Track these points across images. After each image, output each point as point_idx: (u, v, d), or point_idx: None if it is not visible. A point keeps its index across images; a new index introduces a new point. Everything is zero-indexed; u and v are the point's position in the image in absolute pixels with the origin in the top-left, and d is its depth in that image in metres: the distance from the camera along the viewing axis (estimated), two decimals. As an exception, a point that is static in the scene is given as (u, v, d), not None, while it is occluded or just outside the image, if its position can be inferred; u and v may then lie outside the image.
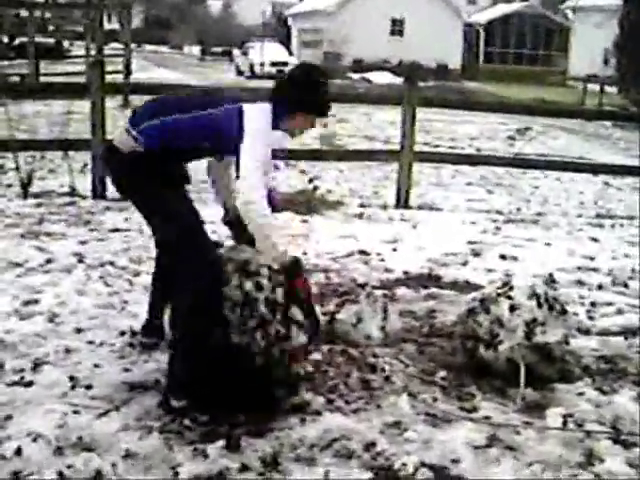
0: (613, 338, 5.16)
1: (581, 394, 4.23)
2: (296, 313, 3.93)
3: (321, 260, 6.51)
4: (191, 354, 3.86)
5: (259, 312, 3.80)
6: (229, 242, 4.51)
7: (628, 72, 32.12)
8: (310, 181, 8.34)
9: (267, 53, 40.51)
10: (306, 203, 8.10)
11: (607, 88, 31.26)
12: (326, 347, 4.62)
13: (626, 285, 6.31)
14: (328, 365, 4.41)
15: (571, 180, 11.25)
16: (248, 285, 3.82)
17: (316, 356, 4.46)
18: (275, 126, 4.03)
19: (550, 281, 4.62)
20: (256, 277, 3.85)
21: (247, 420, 3.72)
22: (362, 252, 6.76)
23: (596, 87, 30.43)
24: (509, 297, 4.41)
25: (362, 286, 5.34)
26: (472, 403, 4.10)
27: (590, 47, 45.13)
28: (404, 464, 3.43)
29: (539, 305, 4.37)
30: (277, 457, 3.47)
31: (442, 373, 4.42)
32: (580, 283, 6.27)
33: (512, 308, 4.37)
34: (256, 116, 3.93)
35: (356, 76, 39.46)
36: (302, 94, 4.06)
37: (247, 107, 3.95)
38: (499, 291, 4.48)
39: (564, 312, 4.49)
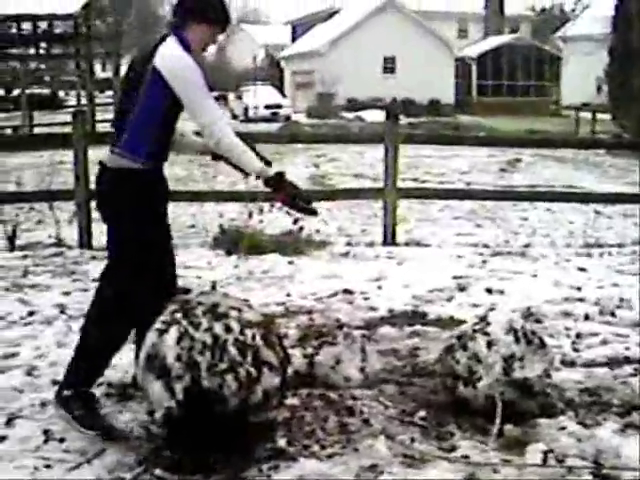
0: (598, 369, 5.09)
1: (563, 428, 4.15)
2: (268, 355, 3.88)
3: (305, 301, 6.47)
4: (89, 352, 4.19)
5: (229, 354, 3.76)
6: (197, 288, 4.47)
7: (619, 99, 32.26)
8: (295, 222, 8.26)
9: (260, 96, 40.76)
10: (292, 244, 8.06)
11: (601, 116, 31.40)
12: (304, 391, 4.56)
13: (613, 314, 6.25)
14: (305, 409, 4.33)
15: (561, 210, 11.22)
16: (217, 327, 3.77)
17: (293, 401, 4.40)
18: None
19: (529, 315, 4.56)
20: (225, 319, 3.81)
21: (220, 469, 3.66)
22: (346, 291, 6.72)
23: (590, 115, 30.54)
24: (486, 333, 4.36)
25: (341, 327, 5.27)
26: (451, 442, 4.02)
27: (582, 76, 45.45)
28: (378, 509, 3.38)
29: (517, 340, 4.31)
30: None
31: (422, 413, 4.34)
32: (566, 314, 6.21)
33: (489, 344, 4.32)
34: (170, 55, 3.97)
35: (350, 115, 39.62)
36: (190, 6, 4.09)
37: (157, 58, 3.95)
38: (476, 327, 4.43)
39: (543, 346, 4.42)
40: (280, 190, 4.07)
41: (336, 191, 11.08)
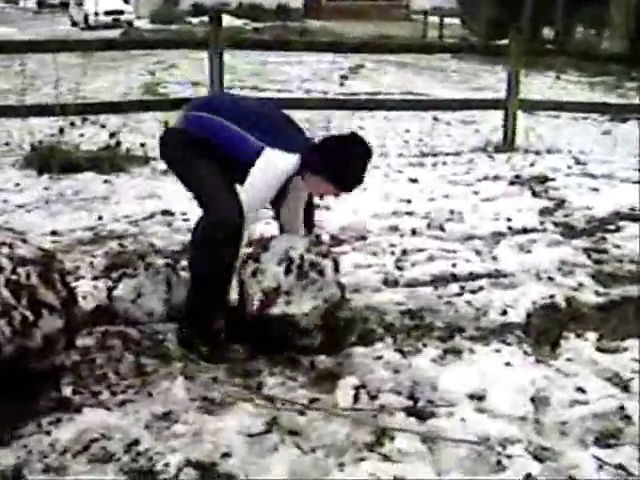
0: (422, 289, 4.85)
1: (379, 358, 3.88)
2: (47, 295, 3.42)
3: (118, 225, 5.97)
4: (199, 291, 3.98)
5: (0, 297, 3.28)
6: None
7: (468, 3, 32.34)
8: (112, 135, 7.69)
9: (101, 3, 38.94)
10: (110, 160, 7.49)
11: (450, 20, 31.46)
12: (101, 329, 4.12)
13: (442, 228, 6.03)
14: (100, 350, 3.90)
15: (398, 118, 10.90)
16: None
17: (86, 341, 3.95)
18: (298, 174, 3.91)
19: (317, 243, 4.20)
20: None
21: (-9, 427, 3.22)
22: (165, 212, 6.24)
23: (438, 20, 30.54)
24: (257, 260, 4.00)
25: (142, 257, 4.79)
26: (258, 379, 3.69)
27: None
28: (166, 464, 3.01)
29: (287, 271, 3.93)
30: (21, 470, 2.98)
31: (231, 347, 4.00)
32: (393, 229, 5.95)
33: (254, 273, 3.96)
34: (280, 165, 3.81)
35: (196, 20, 38.39)
36: (334, 163, 3.82)
37: (267, 153, 3.81)
38: (249, 252, 4.08)
39: (315, 281, 3.98)
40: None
41: (163, 101, 10.36)
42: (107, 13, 38.71)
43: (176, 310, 4.20)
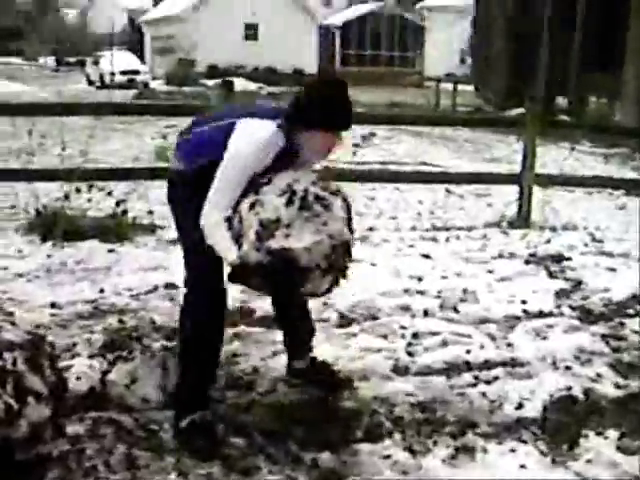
0: (434, 378, 4.61)
1: (387, 457, 3.65)
2: (34, 381, 3.23)
3: (119, 298, 5.77)
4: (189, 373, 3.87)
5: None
6: None
7: (481, 71, 32.52)
8: (118, 204, 7.55)
9: (117, 62, 39.45)
10: (116, 229, 7.32)
11: (463, 87, 31.48)
12: (93, 415, 3.90)
13: (455, 309, 5.80)
14: (90, 439, 3.68)
15: (410, 189, 10.76)
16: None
17: (77, 428, 3.74)
18: (291, 146, 3.72)
19: (326, 180, 3.88)
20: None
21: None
22: (169, 286, 6.03)
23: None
24: (256, 192, 3.64)
25: (138, 338, 4.58)
26: (258, 478, 3.45)
27: (444, 46, 45.85)
28: None
29: (289, 203, 3.56)
30: None
31: (229, 440, 3.77)
32: (404, 309, 5.73)
33: (252, 205, 3.59)
34: (242, 142, 3.64)
35: (211, 82, 38.67)
36: (318, 109, 3.65)
37: (242, 123, 3.69)
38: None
39: (319, 214, 3.60)
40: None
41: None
42: (123, 73, 39.25)
43: (173, 397, 3.99)
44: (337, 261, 3.63)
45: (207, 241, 3.65)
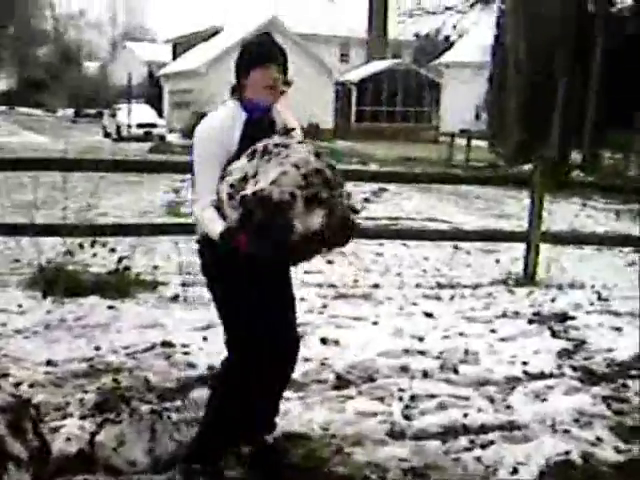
0: (429, 442, 4.54)
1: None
2: (15, 446, 3.18)
3: (115, 357, 5.72)
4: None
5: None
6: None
7: (496, 127, 32.67)
8: (120, 260, 7.53)
9: (135, 115, 39.75)
10: (117, 285, 7.29)
11: (478, 143, 31.61)
12: (79, 478, 3.84)
13: (455, 371, 5.73)
14: (73, 506, 3.63)
15: (418, 245, 10.70)
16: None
17: (61, 493, 3.69)
18: (251, 110, 3.91)
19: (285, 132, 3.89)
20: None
21: None
22: (165, 344, 5.97)
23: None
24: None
25: (127, 401, 4.52)
26: None
27: (461, 102, 46.02)
28: None
29: (251, 159, 3.65)
30: None
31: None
32: (403, 370, 5.66)
33: (222, 177, 3.72)
34: (199, 128, 3.90)
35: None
36: (241, 56, 4.00)
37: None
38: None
39: (278, 153, 3.64)
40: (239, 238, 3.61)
41: (178, 225, 10.06)
42: (140, 126, 39.45)
43: (161, 462, 3.92)
44: (320, 192, 3.55)
45: (203, 229, 3.85)
